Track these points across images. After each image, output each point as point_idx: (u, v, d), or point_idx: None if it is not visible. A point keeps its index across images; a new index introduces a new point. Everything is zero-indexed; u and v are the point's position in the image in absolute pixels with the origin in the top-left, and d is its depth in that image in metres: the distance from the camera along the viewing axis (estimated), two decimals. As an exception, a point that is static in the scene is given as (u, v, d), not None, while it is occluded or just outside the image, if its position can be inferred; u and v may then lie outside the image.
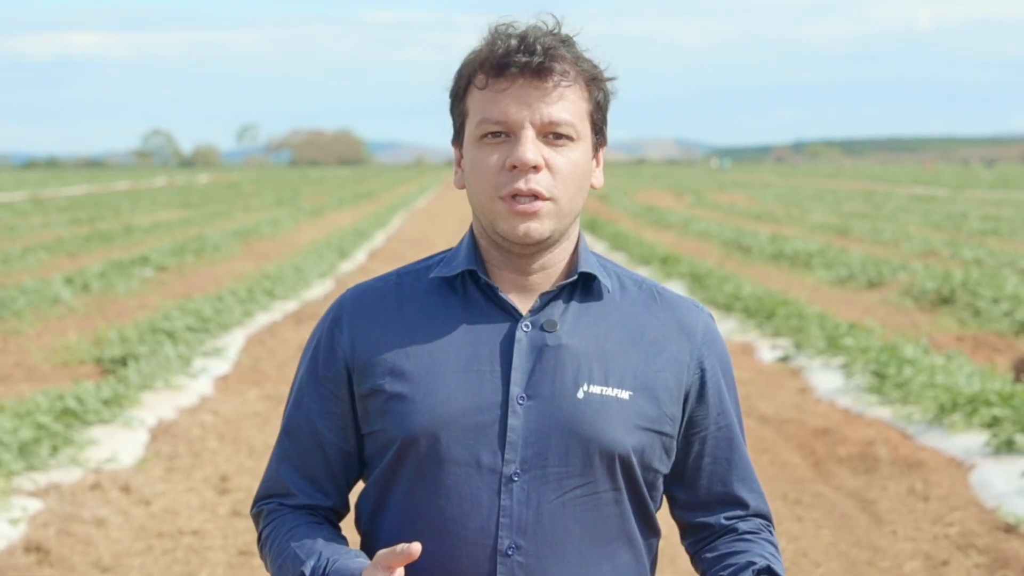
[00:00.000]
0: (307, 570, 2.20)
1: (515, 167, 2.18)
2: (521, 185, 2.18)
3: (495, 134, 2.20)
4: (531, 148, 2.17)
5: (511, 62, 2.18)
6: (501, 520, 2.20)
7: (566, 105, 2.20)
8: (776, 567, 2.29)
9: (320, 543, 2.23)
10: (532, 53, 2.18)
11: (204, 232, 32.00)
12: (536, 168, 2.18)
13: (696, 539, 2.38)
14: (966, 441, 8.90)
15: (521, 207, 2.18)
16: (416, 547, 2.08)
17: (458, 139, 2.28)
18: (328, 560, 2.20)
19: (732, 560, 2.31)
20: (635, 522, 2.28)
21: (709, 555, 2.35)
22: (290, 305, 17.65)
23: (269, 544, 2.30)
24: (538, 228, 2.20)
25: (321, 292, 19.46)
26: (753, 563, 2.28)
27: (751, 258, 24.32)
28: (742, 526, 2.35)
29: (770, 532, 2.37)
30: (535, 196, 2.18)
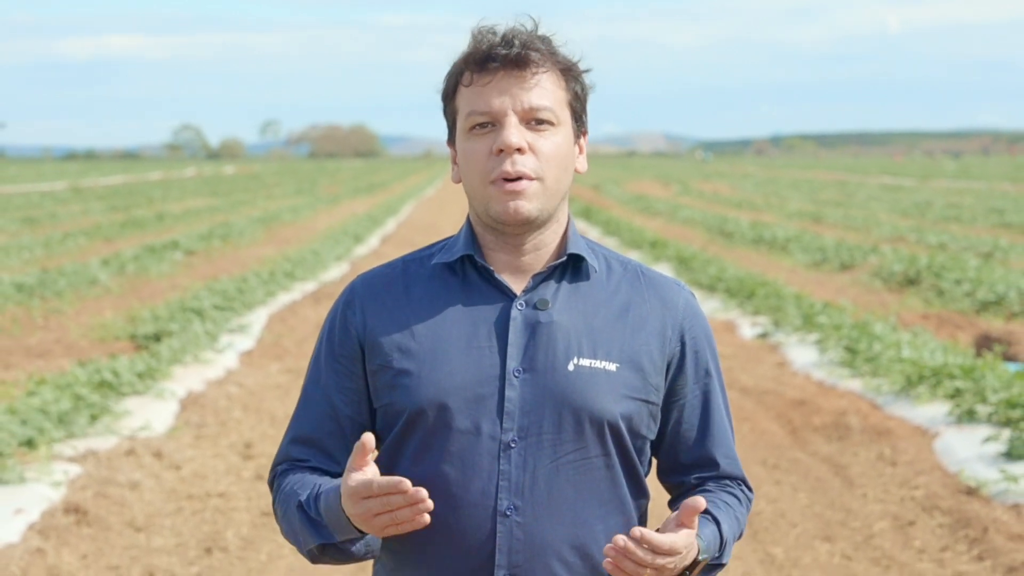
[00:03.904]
0: (302, 498, 2.21)
1: (501, 151, 2.19)
2: (508, 167, 2.19)
3: (482, 125, 2.21)
4: (514, 132, 2.19)
5: (492, 55, 2.20)
6: (500, 483, 2.20)
7: (544, 92, 2.21)
8: (720, 509, 2.27)
9: (323, 481, 2.24)
10: (511, 46, 2.19)
11: (230, 219, 31.98)
12: (520, 150, 2.19)
13: (674, 499, 2.39)
14: (931, 411, 8.89)
15: (510, 186, 2.19)
16: (369, 437, 2.07)
17: (452, 139, 2.29)
18: (319, 485, 2.21)
19: (679, 504, 2.31)
20: (625, 485, 2.27)
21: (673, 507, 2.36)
22: (309, 286, 17.64)
23: (277, 499, 2.30)
24: (526, 206, 2.20)
25: (337, 274, 19.46)
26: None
27: (733, 242, 24.30)
28: (710, 484, 2.35)
29: (739, 488, 2.36)
30: (521, 176, 2.19)
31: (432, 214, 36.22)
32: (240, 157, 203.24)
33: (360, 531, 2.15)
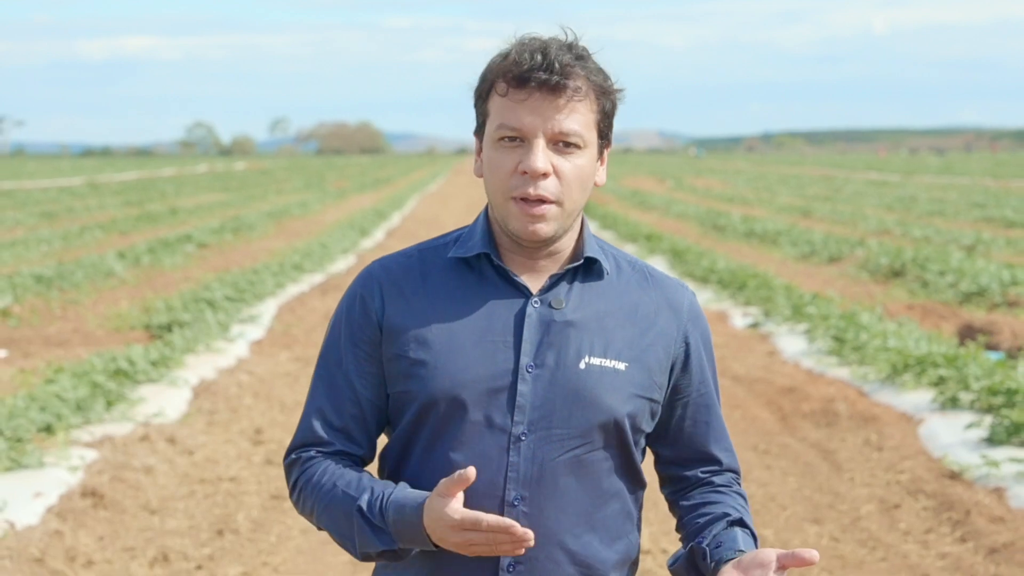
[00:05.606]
0: (363, 504, 2.16)
1: (526, 173, 2.17)
2: (531, 191, 2.17)
3: (511, 138, 2.18)
4: (541, 157, 2.16)
5: (531, 77, 2.16)
6: (509, 474, 2.19)
7: (576, 118, 2.18)
8: (747, 519, 2.31)
9: (367, 479, 2.21)
10: (551, 71, 2.15)
11: (241, 213, 31.95)
12: (545, 175, 2.17)
13: (674, 488, 2.39)
14: (915, 398, 8.89)
15: (530, 209, 2.18)
16: (471, 471, 2.07)
17: (479, 131, 2.26)
18: (383, 493, 2.17)
19: (708, 509, 2.32)
20: (624, 477, 2.28)
21: (686, 503, 2.36)
22: (317, 277, 17.64)
23: (308, 488, 2.24)
24: (544, 228, 2.20)
25: (344, 266, 19.45)
26: (728, 514, 2.30)
27: (725, 236, 24.28)
28: (716, 480, 2.36)
29: (739, 484, 2.39)
30: (542, 200, 2.18)
31: (435, 209, 36.21)
32: (251, 154, 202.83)
33: (435, 545, 2.13)
